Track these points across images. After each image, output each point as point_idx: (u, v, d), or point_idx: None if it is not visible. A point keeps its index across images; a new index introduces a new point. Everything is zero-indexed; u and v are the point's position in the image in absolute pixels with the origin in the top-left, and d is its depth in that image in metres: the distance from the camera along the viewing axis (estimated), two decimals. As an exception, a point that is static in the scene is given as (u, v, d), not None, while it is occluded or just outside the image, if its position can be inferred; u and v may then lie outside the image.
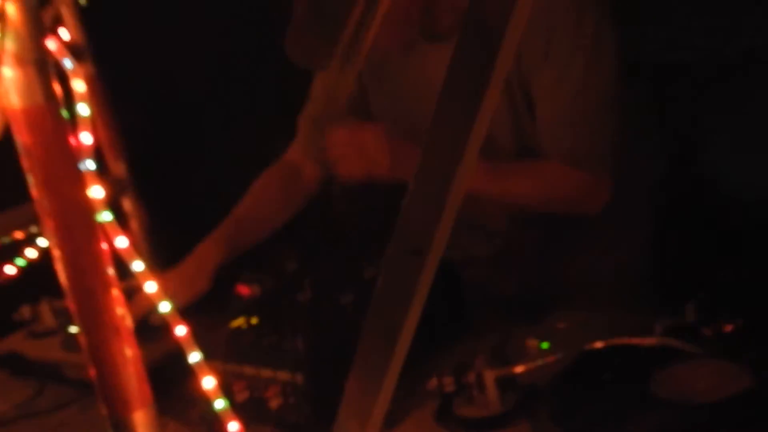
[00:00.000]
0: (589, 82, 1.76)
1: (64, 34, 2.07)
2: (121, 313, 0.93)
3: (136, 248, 0.99)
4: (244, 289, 1.92)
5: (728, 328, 1.28)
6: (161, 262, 2.24)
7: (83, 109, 0.97)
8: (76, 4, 2.07)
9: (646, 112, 2.27)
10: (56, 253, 0.92)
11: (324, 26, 1.61)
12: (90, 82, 2.17)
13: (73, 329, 1.46)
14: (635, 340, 1.26)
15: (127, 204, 2.25)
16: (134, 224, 2.26)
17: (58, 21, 2.07)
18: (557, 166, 1.82)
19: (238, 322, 1.63)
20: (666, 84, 3.02)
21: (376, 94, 2.08)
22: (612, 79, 1.78)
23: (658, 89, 2.97)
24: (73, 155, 0.91)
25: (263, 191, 2.16)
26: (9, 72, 0.87)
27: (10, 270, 1.88)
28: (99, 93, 2.20)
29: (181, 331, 0.97)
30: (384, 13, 1.65)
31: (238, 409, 1.42)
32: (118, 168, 2.23)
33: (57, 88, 0.91)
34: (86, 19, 2.14)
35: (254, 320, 1.61)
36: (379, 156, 1.74)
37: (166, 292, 1.80)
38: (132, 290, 0.97)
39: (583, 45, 1.74)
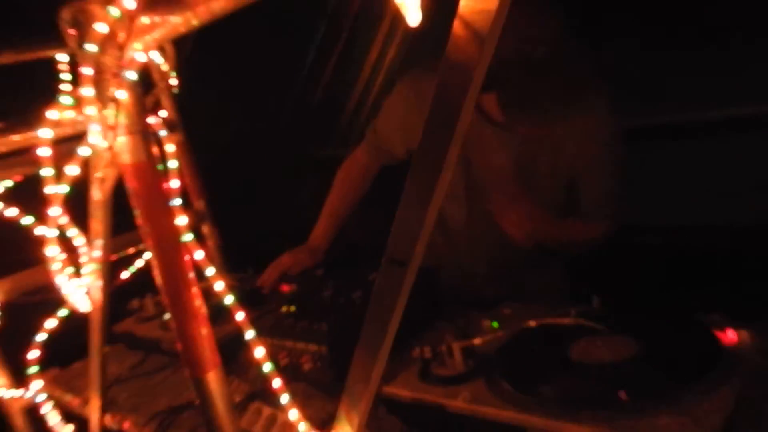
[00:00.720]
0: (616, 168, 1.73)
1: (162, 113, 2.09)
2: (198, 303, 0.92)
3: (211, 260, 0.99)
4: (285, 288, 1.91)
5: (622, 312, 1.27)
6: (229, 268, 2.24)
7: (173, 164, 0.96)
8: (170, 91, 2.08)
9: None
10: (154, 263, 0.92)
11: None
12: (179, 145, 2.18)
13: (167, 316, 1.45)
14: (557, 321, 1.25)
15: (206, 229, 2.25)
16: (210, 243, 2.26)
17: (158, 103, 2.08)
18: (599, 223, 1.77)
19: (283, 309, 1.63)
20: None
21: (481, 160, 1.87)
22: (623, 157, 1.73)
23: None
24: (165, 196, 0.91)
25: (344, 185, 2.08)
26: (122, 138, 0.87)
27: (125, 275, 1.88)
28: (186, 153, 2.21)
29: (240, 316, 0.96)
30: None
31: (280, 371, 1.42)
32: (199, 204, 2.24)
33: (155, 149, 0.91)
34: (178, 101, 2.16)
35: (293, 309, 1.60)
36: (545, 226, 1.68)
37: (297, 260, 1.94)
38: (206, 290, 0.96)
39: (612, 143, 1.69)
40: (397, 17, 0.57)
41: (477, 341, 1.24)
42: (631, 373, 1.06)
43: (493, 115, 1.69)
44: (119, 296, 1.97)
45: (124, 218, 1.11)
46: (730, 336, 1.11)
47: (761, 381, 1.07)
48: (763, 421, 1.00)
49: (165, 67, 1.15)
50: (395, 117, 1.90)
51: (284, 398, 0.99)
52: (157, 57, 1.13)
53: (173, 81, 1.49)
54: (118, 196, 1.00)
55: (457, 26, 0.56)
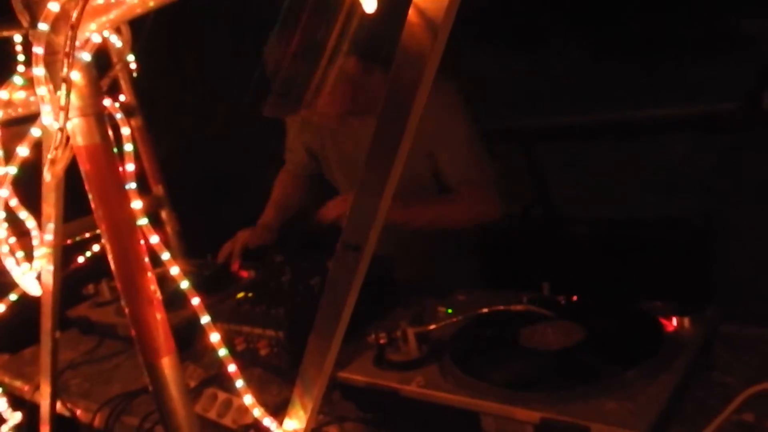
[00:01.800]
0: (470, 137, 1.84)
1: (121, 97, 2.04)
2: (153, 288, 0.91)
3: (169, 245, 0.98)
4: (244, 273, 1.89)
5: (571, 299, 1.30)
6: (188, 254, 2.21)
7: (128, 147, 0.94)
8: (129, 75, 2.04)
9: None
10: (108, 248, 0.90)
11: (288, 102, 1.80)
12: (139, 130, 2.13)
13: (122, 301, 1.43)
14: (508, 307, 1.26)
15: (164, 214, 2.22)
16: (169, 228, 2.23)
17: (116, 87, 2.04)
18: (466, 189, 1.86)
19: (240, 295, 1.61)
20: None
21: (330, 149, 2.12)
22: (480, 135, 1.87)
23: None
24: (120, 179, 0.89)
25: (283, 188, 2.25)
26: (76, 120, 0.85)
27: (80, 259, 1.84)
28: (145, 138, 2.17)
29: (195, 301, 0.95)
30: (326, 93, 1.76)
31: (237, 356, 1.41)
32: (158, 189, 2.20)
33: (110, 132, 0.89)
34: (139, 84, 2.12)
35: (251, 294, 1.59)
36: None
37: (255, 233, 2.03)
38: (163, 276, 0.94)
39: (461, 119, 1.84)
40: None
41: (431, 327, 1.25)
42: (578, 358, 1.09)
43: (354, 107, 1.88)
44: (74, 281, 1.93)
45: (81, 203, 1.08)
46: (672, 324, 1.14)
47: (702, 367, 1.11)
48: (704, 406, 1.04)
49: (122, 50, 1.11)
50: (293, 127, 2.19)
51: (239, 383, 0.98)
52: (116, 39, 1.10)
53: (132, 64, 1.45)
54: (75, 181, 0.98)
55: (412, 15, 0.56)
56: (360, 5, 0.57)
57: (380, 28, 1.75)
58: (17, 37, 1.57)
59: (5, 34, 1.51)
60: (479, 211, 1.89)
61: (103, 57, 0.92)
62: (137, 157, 0.97)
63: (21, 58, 1.58)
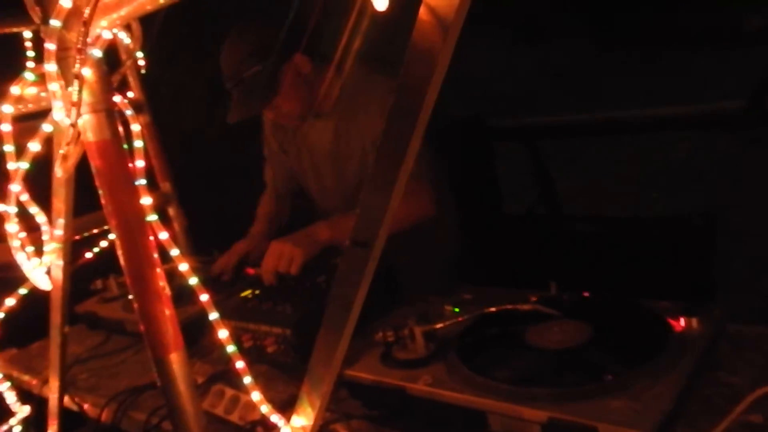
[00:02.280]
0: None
1: (129, 93, 2.05)
2: (162, 284, 0.91)
3: (176, 242, 0.97)
4: (250, 271, 1.90)
5: (578, 298, 1.29)
6: (194, 251, 2.22)
7: (138, 144, 0.94)
8: (138, 71, 2.04)
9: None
10: (118, 244, 0.90)
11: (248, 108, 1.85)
12: (147, 127, 2.14)
13: (131, 296, 1.43)
14: (515, 306, 1.26)
15: (172, 210, 2.22)
16: (176, 225, 2.23)
17: (125, 83, 2.05)
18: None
19: (246, 293, 1.61)
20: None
21: (291, 154, 2.14)
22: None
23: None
24: (130, 175, 0.89)
25: (266, 207, 2.26)
26: (87, 116, 0.85)
27: (88, 255, 1.85)
28: (154, 134, 2.17)
29: (204, 297, 0.95)
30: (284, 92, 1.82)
31: (244, 353, 1.41)
32: (165, 186, 2.21)
33: (120, 129, 0.89)
34: (146, 81, 2.12)
35: (257, 292, 1.59)
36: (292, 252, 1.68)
37: (250, 248, 2.01)
38: (170, 272, 0.95)
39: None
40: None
41: (438, 326, 1.24)
42: (585, 357, 1.08)
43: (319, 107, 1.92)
44: (82, 276, 1.93)
45: (91, 198, 1.08)
46: (679, 323, 1.13)
47: (708, 367, 1.11)
48: (710, 405, 1.04)
49: (132, 46, 1.12)
50: (269, 137, 2.22)
51: (247, 379, 0.98)
52: (124, 36, 1.10)
53: (141, 61, 1.45)
54: (85, 175, 0.98)
55: (422, 13, 0.56)
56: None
57: (331, 29, 1.82)
58: (27, 33, 1.58)
59: (16, 29, 1.51)
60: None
61: (109, 53, 0.92)
62: (145, 152, 0.97)
63: (31, 54, 1.58)
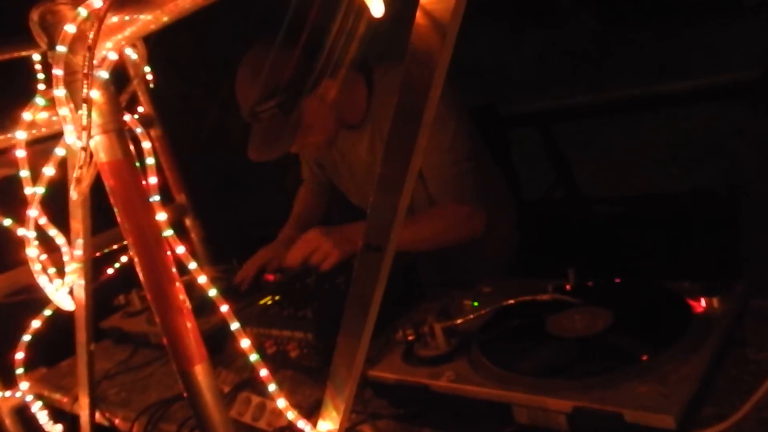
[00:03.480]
0: (453, 146, 1.76)
1: (139, 108, 2.07)
2: (182, 298, 0.93)
3: (194, 253, 0.99)
4: (270, 277, 1.92)
5: (597, 284, 1.29)
6: (213, 261, 2.24)
7: (150, 161, 0.96)
8: (146, 87, 2.07)
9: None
10: (136, 260, 0.92)
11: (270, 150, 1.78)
12: (158, 140, 2.16)
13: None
14: (534, 297, 1.26)
15: (188, 221, 2.25)
16: (194, 235, 2.26)
17: (135, 100, 2.07)
18: (449, 205, 1.79)
19: (266, 299, 1.63)
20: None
21: (329, 169, 2.15)
22: (465, 140, 1.78)
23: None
24: (144, 192, 0.91)
25: (303, 204, 2.29)
26: (98, 137, 0.87)
27: (110, 271, 1.88)
28: (166, 147, 2.19)
29: (224, 308, 0.97)
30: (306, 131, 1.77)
31: (268, 359, 1.43)
32: (181, 197, 2.23)
33: (131, 147, 0.91)
34: (156, 96, 2.15)
35: (277, 298, 1.60)
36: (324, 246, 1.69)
37: (276, 253, 1.99)
38: (190, 283, 0.96)
39: (441, 127, 1.74)
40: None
41: (458, 321, 1.25)
42: (607, 343, 1.08)
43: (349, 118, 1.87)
44: (105, 292, 1.97)
45: (109, 214, 1.11)
46: (700, 303, 1.13)
47: (732, 348, 1.10)
48: (738, 383, 1.03)
49: (139, 63, 1.13)
50: None
51: (272, 387, 1.00)
52: (131, 52, 1.12)
53: (148, 76, 1.47)
54: (101, 194, 1.00)
55: (419, 17, 0.57)
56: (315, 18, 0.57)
57: (342, 37, 1.72)
58: (36, 56, 1.61)
59: (25, 53, 1.54)
60: (463, 228, 1.79)
61: (118, 71, 0.93)
62: (158, 166, 0.99)
63: (41, 76, 1.61)
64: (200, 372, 0.94)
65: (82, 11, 0.79)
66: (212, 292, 0.97)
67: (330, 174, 2.17)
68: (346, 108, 1.83)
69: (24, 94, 1.04)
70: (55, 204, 1.12)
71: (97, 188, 0.97)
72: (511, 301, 1.28)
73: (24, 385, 1.50)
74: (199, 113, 3.06)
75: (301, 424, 0.96)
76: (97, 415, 1.47)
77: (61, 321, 1.32)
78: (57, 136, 1.04)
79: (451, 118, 1.75)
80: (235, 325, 0.97)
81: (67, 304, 1.12)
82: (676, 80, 3.13)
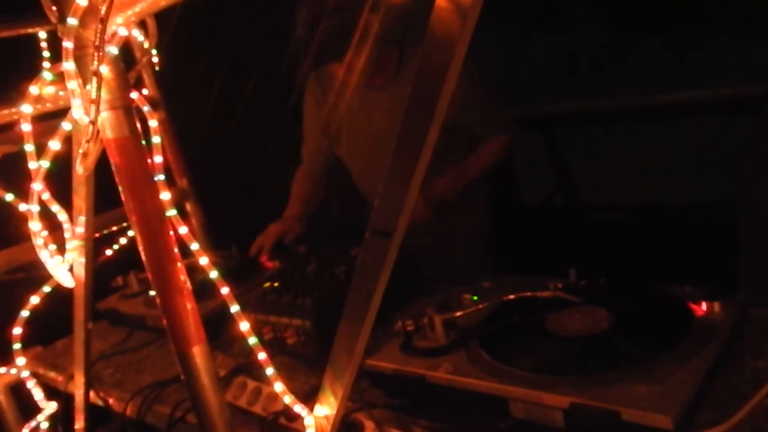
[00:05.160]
0: (488, 94, 1.95)
1: (145, 90, 2.07)
2: (183, 279, 0.92)
3: (194, 236, 0.98)
4: (269, 264, 1.91)
5: (599, 285, 1.29)
6: (212, 246, 2.23)
7: (156, 140, 0.95)
8: (153, 69, 2.06)
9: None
10: (139, 239, 0.91)
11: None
12: (162, 123, 2.15)
13: (151, 292, 1.45)
14: (535, 294, 1.26)
15: (189, 206, 2.24)
16: (194, 220, 2.25)
17: (140, 80, 2.06)
18: (492, 140, 1.98)
19: (266, 285, 1.62)
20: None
21: (351, 127, 2.10)
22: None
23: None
24: (149, 171, 0.90)
25: (301, 188, 2.24)
26: (105, 113, 0.86)
27: (108, 252, 1.87)
28: (170, 131, 2.18)
29: (225, 291, 0.96)
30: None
31: (265, 345, 1.42)
32: (182, 182, 2.22)
33: (138, 125, 0.90)
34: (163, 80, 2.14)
35: (276, 284, 1.60)
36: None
37: (287, 226, 2.05)
38: (190, 266, 0.96)
39: (475, 84, 1.87)
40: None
41: (458, 314, 1.25)
42: (607, 343, 1.08)
43: (375, 79, 1.93)
44: (103, 273, 1.96)
45: (108, 197, 1.10)
46: (701, 307, 1.13)
47: (733, 352, 1.10)
48: (735, 390, 1.03)
49: (147, 44, 1.12)
50: (310, 112, 2.16)
51: (269, 371, 0.99)
52: (138, 34, 1.11)
53: (155, 58, 1.46)
54: (102, 175, 0.99)
55: (440, 0, 0.56)
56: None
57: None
58: (42, 34, 1.60)
59: (32, 30, 1.53)
60: (504, 155, 2.03)
61: (122, 53, 0.93)
62: (162, 149, 0.98)
63: (46, 54, 1.60)
64: (198, 353, 0.93)
65: (95, -16, 0.78)
66: (214, 274, 0.96)
67: (336, 145, 2.16)
68: (376, 68, 1.89)
69: (29, 71, 1.03)
70: (59, 181, 1.11)
71: (99, 168, 0.96)
72: (512, 297, 1.27)
73: (21, 361, 1.50)
74: (203, 101, 3.06)
75: (298, 408, 0.96)
76: (92, 394, 1.47)
77: (57, 301, 1.32)
78: (62, 114, 1.03)
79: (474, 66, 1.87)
80: (235, 308, 0.96)
81: (68, 281, 1.11)
82: (682, 91, 3.12)
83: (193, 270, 0.99)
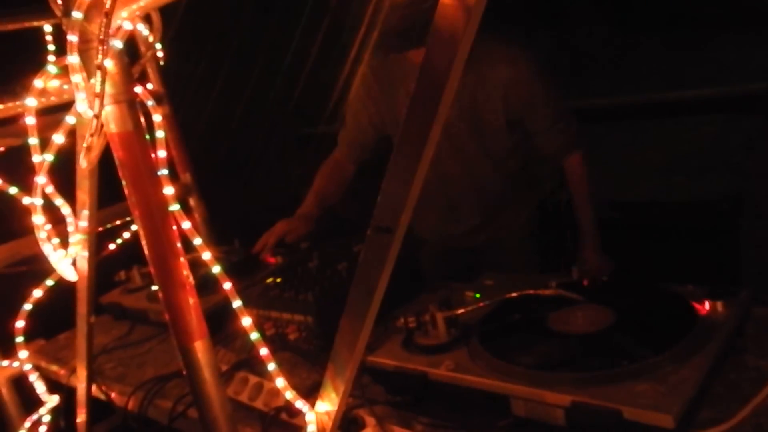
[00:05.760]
0: (557, 104, 1.92)
1: (149, 84, 2.06)
2: (186, 273, 0.92)
3: (197, 231, 0.98)
4: (272, 260, 1.91)
5: (599, 283, 1.28)
6: (215, 241, 2.24)
7: (159, 134, 0.95)
8: (157, 63, 2.06)
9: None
10: (142, 234, 0.91)
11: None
12: (166, 118, 2.15)
13: (154, 286, 1.45)
14: (537, 292, 1.26)
15: (192, 201, 2.24)
16: (197, 215, 2.25)
17: (144, 75, 2.06)
18: (570, 160, 2.00)
19: (268, 281, 1.62)
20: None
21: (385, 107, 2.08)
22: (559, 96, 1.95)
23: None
24: (153, 165, 0.90)
25: (326, 178, 2.19)
26: (109, 107, 0.86)
27: (112, 246, 1.88)
28: (173, 126, 2.18)
29: (227, 286, 0.96)
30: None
31: (267, 341, 1.42)
32: (186, 177, 2.23)
33: (142, 119, 0.90)
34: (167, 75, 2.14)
35: (279, 280, 1.60)
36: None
37: (292, 227, 2.02)
38: (193, 261, 0.96)
39: (546, 89, 1.89)
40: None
41: (460, 311, 1.25)
42: (609, 341, 1.08)
43: None
44: (105, 268, 1.96)
45: (111, 191, 1.10)
46: (704, 306, 1.12)
47: (735, 351, 1.10)
48: (737, 389, 1.03)
49: (151, 38, 1.12)
50: (359, 100, 2.09)
51: (271, 366, 0.99)
52: (143, 28, 1.11)
53: (160, 53, 1.46)
54: (106, 169, 0.99)
55: (444, -5, 0.55)
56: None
57: None
58: (47, 27, 1.60)
59: (37, 24, 1.53)
60: (587, 171, 2.04)
61: (127, 47, 0.92)
62: (165, 144, 0.98)
63: (51, 48, 1.60)
64: (200, 348, 0.93)
65: (100, -22, 0.78)
66: (216, 269, 0.96)
67: (392, 128, 2.11)
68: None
69: (34, 64, 1.03)
70: (62, 176, 1.11)
71: (103, 163, 0.96)
72: (514, 295, 1.27)
73: (23, 354, 1.50)
74: (207, 96, 3.06)
75: (299, 404, 0.96)
76: (94, 388, 1.47)
77: (60, 294, 1.32)
78: (66, 107, 1.03)
79: (540, 64, 1.90)
80: (237, 303, 0.96)
81: (70, 275, 1.11)
82: (685, 89, 3.12)
83: (196, 265, 0.99)
